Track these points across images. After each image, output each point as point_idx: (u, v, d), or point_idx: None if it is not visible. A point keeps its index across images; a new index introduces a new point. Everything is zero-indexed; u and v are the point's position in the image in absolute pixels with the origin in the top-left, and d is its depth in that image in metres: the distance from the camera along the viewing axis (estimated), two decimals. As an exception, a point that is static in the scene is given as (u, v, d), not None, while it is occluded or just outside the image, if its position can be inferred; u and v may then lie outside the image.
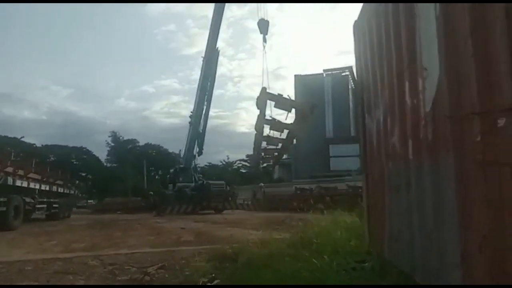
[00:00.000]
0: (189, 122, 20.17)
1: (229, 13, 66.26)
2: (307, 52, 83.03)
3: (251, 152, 12.74)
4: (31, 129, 62.77)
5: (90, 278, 3.68)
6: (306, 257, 3.11)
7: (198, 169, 22.39)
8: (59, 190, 14.19)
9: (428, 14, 1.79)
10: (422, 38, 1.91)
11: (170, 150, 39.96)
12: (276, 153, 12.45)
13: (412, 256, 2.11)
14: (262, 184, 22.61)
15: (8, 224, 9.19)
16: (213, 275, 3.39)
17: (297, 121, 11.34)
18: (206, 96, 19.55)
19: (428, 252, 1.88)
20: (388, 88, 2.54)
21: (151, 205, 19.94)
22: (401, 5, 2.22)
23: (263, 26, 14.86)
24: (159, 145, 45.83)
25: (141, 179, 33.60)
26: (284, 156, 16.66)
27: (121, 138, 45.28)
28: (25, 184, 10.65)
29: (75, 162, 39.82)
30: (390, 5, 2.44)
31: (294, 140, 12.32)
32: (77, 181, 21.81)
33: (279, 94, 11.10)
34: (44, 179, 12.56)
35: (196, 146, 19.97)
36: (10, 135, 34.44)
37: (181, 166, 20.11)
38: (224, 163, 49.95)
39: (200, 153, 20.29)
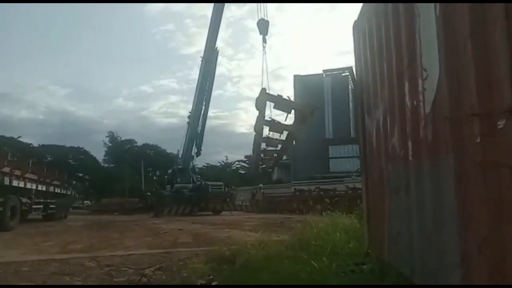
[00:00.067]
0: (187, 122, 20.14)
1: (228, 13, 66.42)
2: (307, 52, 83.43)
3: (250, 152, 12.76)
4: (28, 129, 62.71)
5: (87, 279, 3.66)
6: (304, 259, 3.09)
7: (196, 169, 22.37)
8: (56, 191, 14.13)
9: (428, 15, 1.78)
10: (422, 39, 1.91)
11: (168, 151, 39.97)
12: (275, 154, 12.43)
13: (412, 258, 2.11)
14: (261, 185, 22.58)
15: (5, 225, 9.13)
16: (211, 276, 3.37)
17: (296, 123, 11.32)
18: (204, 96, 19.52)
19: (427, 254, 1.87)
20: (388, 88, 2.54)
21: (148, 206, 19.87)
22: (401, 5, 2.21)
23: (263, 26, 14.85)
24: (157, 145, 45.86)
25: (139, 180, 33.52)
26: (283, 157, 16.62)
27: (118, 138, 45.25)
28: (21, 184, 10.59)
29: (72, 162, 39.73)
30: (390, 5, 2.43)
31: (294, 142, 12.29)
32: (74, 182, 21.74)
33: (278, 95, 11.09)
34: (41, 179, 12.50)
35: (194, 146, 19.93)
36: (7, 135, 34.41)
37: (179, 166, 20.06)
38: (222, 163, 49.99)
39: (198, 153, 20.26)
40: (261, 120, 10.77)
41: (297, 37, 79.32)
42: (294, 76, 41.00)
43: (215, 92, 45.17)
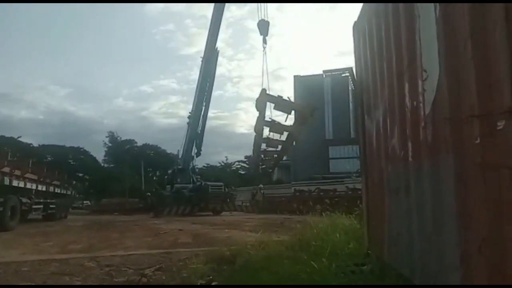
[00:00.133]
0: (187, 123, 20.13)
1: (228, 13, 66.57)
2: (307, 52, 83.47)
3: (250, 153, 12.78)
4: (28, 129, 62.73)
5: (87, 279, 3.66)
6: (304, 259, 3.09)
7: (196, 170, 22.35)
8: (56, 191, 14.13)
9: (428, 15, 1.78)
10: (422, 39, 1.91)
11: (168, 151, 39.99)
12: (275, 155, 12.43)
13: (412, 259, 2.10)
14: (262, 186, 22.57)
15: (5, 225, 9.12)
16: (211, 277, 3.37)
17: (297, 124, 11.32)
18: (205, 97, 19.52)
19: (427, 255, 1.87)
20: (387, 89, 2.54)
21: (148, 206, 19.86)
22: (401, 5, 2.21)
23: (263, 27, 14.84)
24: (157, 145, 45.85)
25: (139, 180, 33.51)
26: (284, 158, 16.63)
27: (118, 138, 45.25)
28: (21, 184, 10.59)
29: (72, 162, 39.74)
30: (390, 5, 2.43)
31: (294, 142, 12.30)
32: (74, 182, 21.74)
33: (279, 96, 11.09)
34: (41, 179, 12.50)
35: (194, 147, 19.92)
36: (7, 135, 34.40)
37: (179, 167, 20.05)
38: (222, 164, 49.99)
39: (198, 154, 20.25)
40: (261, 121, 10.77)
41: (297, 38, 79.46)
42: (294, 76, 41.08)
43: (215, 93, 45.18)
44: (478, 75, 1.36)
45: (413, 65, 2.01)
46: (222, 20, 19.04)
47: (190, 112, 20.24)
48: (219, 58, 20.11)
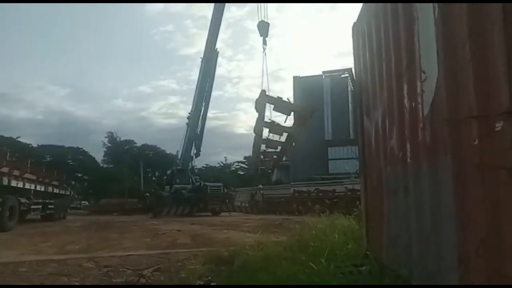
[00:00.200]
0: (187, 123, 20.12)
1: (228, 14, 66.72)
2: (306, 53, 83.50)
3: (249, 153, 12.81)
4: (27, 129, 62.63)
5: (85, 280, 3.65)
6: (303, 260, 3.08)
7: (196, 170, 22.30)
8: (54, 191, 14.09)
9: (427, 16, 1.79)
10: (421, 41, 1.91)
11: (168, 151, 39.95)
12: (275, 156, 12.45)
13: (410, 260, 2.11)
14: (261, 186, 22.57)
15: (3, 225, 9.10)
16: (209, 278, 3.36)
17: (296, 125, 11.34)
18: (204, 97, 19.51)
19: (425, 255, 1.87)
20: (386, 90, 2.55)
21: (147, 207, 19.84)
22: (400, 6, 2.22)
23: (263, 28, 14.86)
24: (156, 146, 45.80)
25: (138, 180, 33.51)
26: (283, 158, 16.63)
27: (118, 138, 45.19)
28: (20, 185, 10.56)
29: (71, 163, 39.67)
30: (389, 7, 2.44)
31: (293, 143, 12.31)
32: (73, 182, 21.67)
33: (278, 97, 11.12)
34: (40, 180, 12.47)
35: (193, 147, 19.90)
36: (6, 135, 34.29)
37: (178, 167, 20.03)
38: (222, 164, 49.97)
39: (197, 154, 20.22)
40: (261, 122, 10.79)
41: (296, 39, 79.64)
42: (294, 77, 41.06)
43: (214, 93, 45.03)
44: (476, 76, 1.37)
45: (412, 67, 2.02)
46: (222, 21, 19.08)
47: (189, 113, 20.24)
48: (219, 59, 20.12)
